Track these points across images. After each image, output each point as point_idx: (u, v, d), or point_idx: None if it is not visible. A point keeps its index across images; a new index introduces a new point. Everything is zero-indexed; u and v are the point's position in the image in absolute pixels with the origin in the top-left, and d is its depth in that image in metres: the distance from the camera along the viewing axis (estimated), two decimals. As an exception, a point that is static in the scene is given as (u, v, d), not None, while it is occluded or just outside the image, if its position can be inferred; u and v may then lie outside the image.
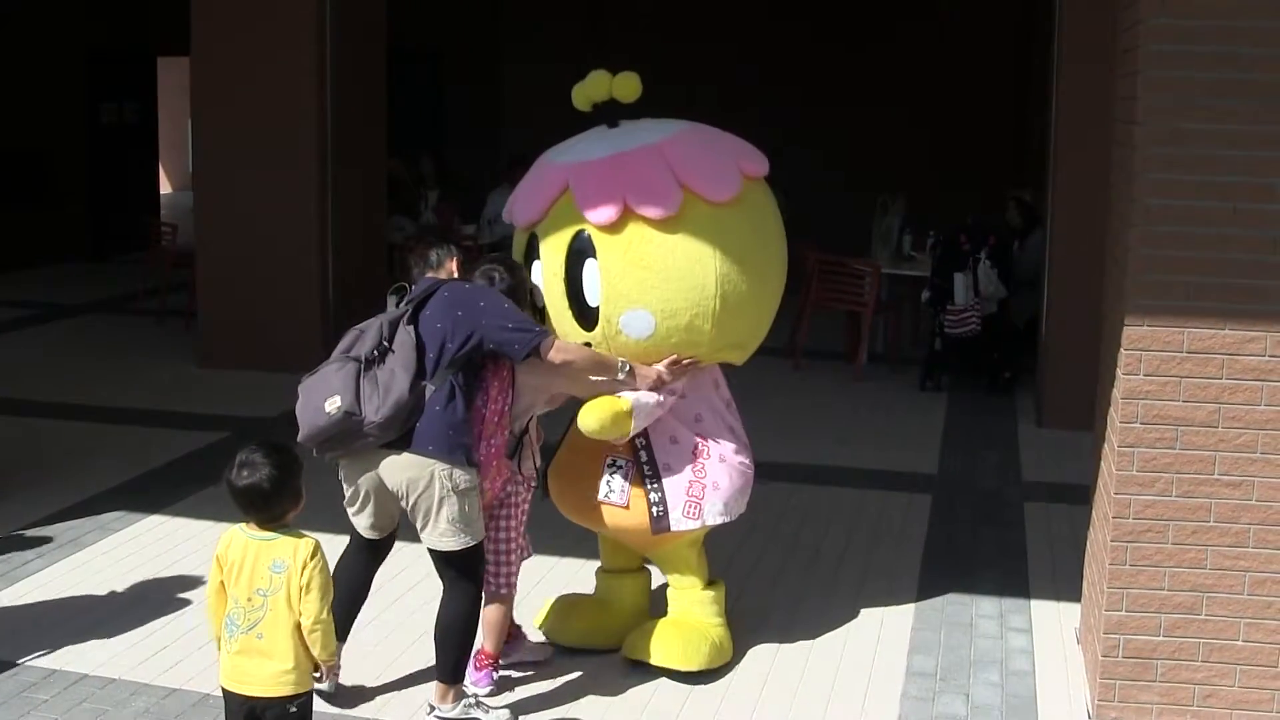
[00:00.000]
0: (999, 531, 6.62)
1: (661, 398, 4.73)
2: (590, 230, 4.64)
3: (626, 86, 4.81)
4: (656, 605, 5.17)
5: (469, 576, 4.49)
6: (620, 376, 4.62)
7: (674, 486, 4.79)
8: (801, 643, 5.23)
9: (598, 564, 5.28)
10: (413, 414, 4.31)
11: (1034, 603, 5.66)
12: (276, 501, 3.64)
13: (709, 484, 4.81)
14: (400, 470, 4.36)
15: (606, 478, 4.83)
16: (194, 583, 5.61)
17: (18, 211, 14.48)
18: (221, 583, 3.69)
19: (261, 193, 9.68)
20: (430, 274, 4.66)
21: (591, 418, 4.60)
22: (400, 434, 4.32)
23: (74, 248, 15.36)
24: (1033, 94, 12.74)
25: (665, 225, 4.59)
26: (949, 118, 14.23)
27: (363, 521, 4.62)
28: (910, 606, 5.62)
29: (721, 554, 5.54)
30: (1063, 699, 4.81)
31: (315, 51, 9.61)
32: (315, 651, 3.66)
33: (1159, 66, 4.21)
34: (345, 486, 4.56)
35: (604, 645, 5.06)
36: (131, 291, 13.11)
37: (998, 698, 4.82)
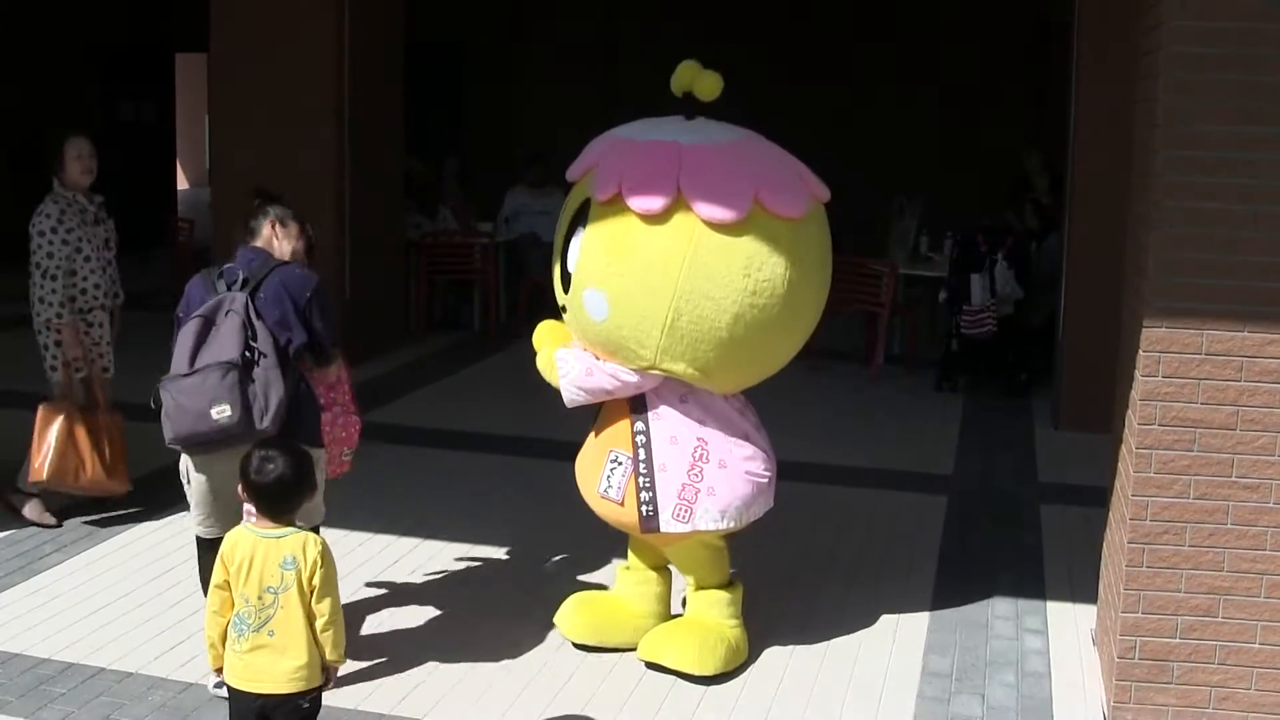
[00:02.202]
0: (1015, 533, 6.61)
1: (603, 381, 4.75)
2: (593, 202, 4.70)
3: (706, 83, 4.76)
4: (674, 605, 5.17)
5: None
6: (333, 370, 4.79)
7: (666, 487, 4.74)
8: (817, 643, 5.23)
9: (617, 560, 5.28)
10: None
11: (1050, 604, 5.65)
12: (301, 490, 3.68)
13: (704, 489, 4.73)
14: None
15: (606, 472, 4.82)
16: (211, 578, 5.63)
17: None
18: (226, 581, 3.69)
19: (279, 190, 9.67)
20: (253, 245, 4.76)
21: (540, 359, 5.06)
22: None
23: (90, 243, 15.39)
24: (1051, 96, 12.70)
25: (647, 220, 4.57)
26: (967, 119, 14.20)
27: (206, 514, 4.65)
28: (926, 607, 5.61)
29: (736, 554, 5.52)
30: (1078, 701, 4.80)
31: (334, 48, 9.62)
32: (327, 651, 3.68)
33: (1180, 69, 4.20)
34: (190, 481, 4.62)
35: (619, 644, 5.06)
36: (147, 288, 13.10)
37: (1013, 699, 4.82)
